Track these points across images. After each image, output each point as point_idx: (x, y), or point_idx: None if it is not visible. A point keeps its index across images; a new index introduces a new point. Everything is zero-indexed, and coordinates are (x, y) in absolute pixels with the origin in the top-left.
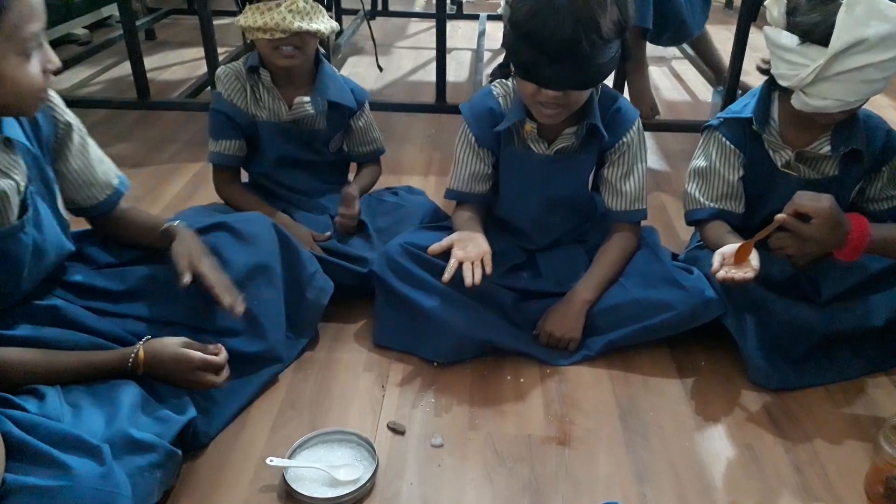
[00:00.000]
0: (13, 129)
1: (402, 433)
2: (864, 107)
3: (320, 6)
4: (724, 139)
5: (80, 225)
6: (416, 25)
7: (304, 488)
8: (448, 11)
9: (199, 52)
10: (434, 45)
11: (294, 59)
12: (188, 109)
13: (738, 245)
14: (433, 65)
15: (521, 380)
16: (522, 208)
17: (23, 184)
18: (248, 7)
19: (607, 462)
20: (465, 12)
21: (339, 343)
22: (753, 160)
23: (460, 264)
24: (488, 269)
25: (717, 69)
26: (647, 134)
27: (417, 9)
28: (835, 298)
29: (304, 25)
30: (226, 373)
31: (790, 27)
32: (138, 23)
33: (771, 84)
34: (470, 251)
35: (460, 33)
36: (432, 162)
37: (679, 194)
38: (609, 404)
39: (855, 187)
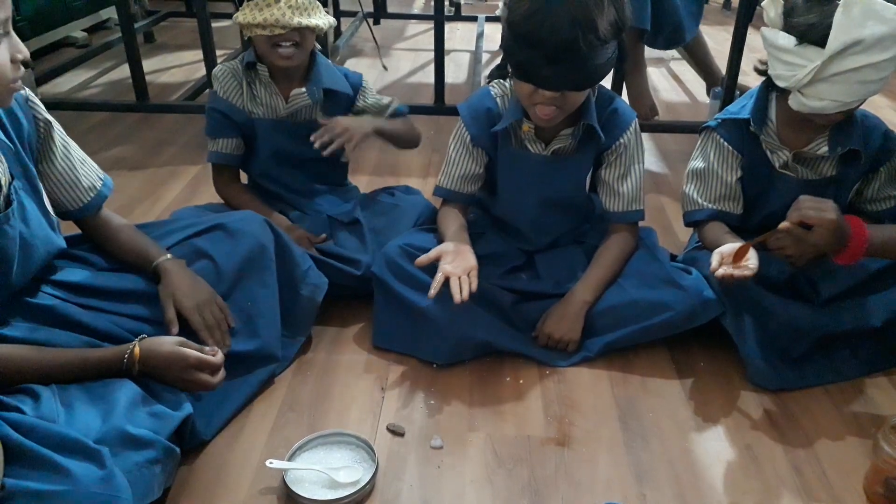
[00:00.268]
0: None
1: (401, 435)
2: (861, 107)
3: (317, 2)
4: (721, 140)
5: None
6: (414, 27)
7: (304, 490)
8: (446, 13)
9: (198, 54)
10: (432, 47)
11: (292, 59)
12: (187, 112)
13: (738, 245)
14: (432, 66)
15: (521, 381)
16: (520, 209)
17: (3, 178)
18: (245, 4)
19: (607, 463)
20: (463, 14)
21: (339, 345)
22: (751, 161)
23: (447, 278)
24: (474, 285)
25: (710, 74)
26: (645, 135)
27: (416, 10)
28: (833, 299)
29: (304, 21)
30: (221, 374)
31: (787, 28)
32: (136, 25)
33: (768, 85)
34: (457, 266)
35: (458, 35)
36: (431, 164)
37: (677, 195)
38: (608, 405)
39: (853, 188)
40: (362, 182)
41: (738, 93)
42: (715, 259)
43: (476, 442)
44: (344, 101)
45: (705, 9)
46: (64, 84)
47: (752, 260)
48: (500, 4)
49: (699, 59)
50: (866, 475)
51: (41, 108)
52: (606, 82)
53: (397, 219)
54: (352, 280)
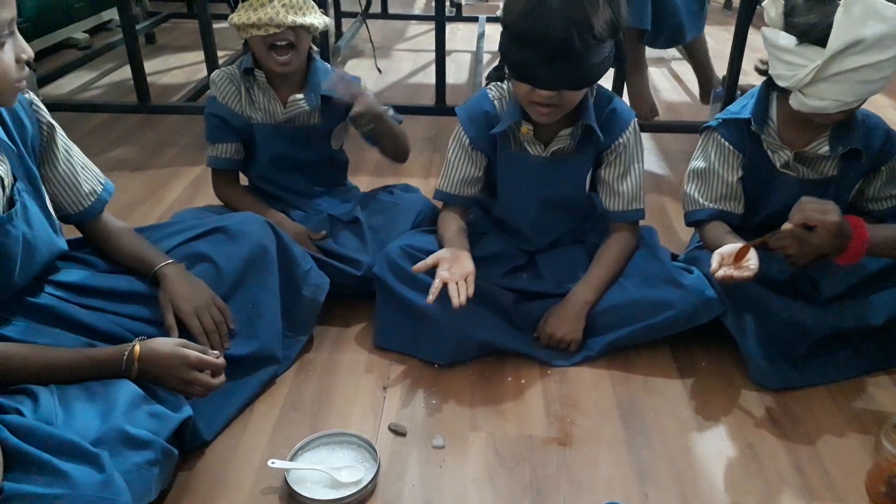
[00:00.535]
0: None
1: (403, 435)
2: (862, 107)
3: (312, 1)
4: (722, 140)
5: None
6: (415, 28)
7: (306, 490)
8: (447, 14)
9: (199, 55)
10: (433, 48)
11: (288, 64)
12: (188, 113)
13: (739, 246)
14: (432, 67)
15: (522, 381)
16: (520, 210)
17: (6, 179)
18: (240, 5)
19: (608, 462)
20: (464, 15)
21: (340, 345)
22: (752, 161)
23: (445, 284)
24: (471, 291)
25: (706, 78)
26: (646, 135)
27: (417, 11)
28: (835, 298)
29: (298, 19)
30: (223, 377)
31: (788, 28)
32: (138, 27)
33: (769, 85)
34: (454, 272)
35: (459, 35)
36: (432, 163)
37: (678, 195)
38: (610, 405)
39: (854, 187)
40: (363, 182)
41: (738, 92)
42: (715, 260)
43: (478, 441)
44: (342, 106)
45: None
46: (65, 85)
47: (752, 261)
48: (501, 5)
49: (697, 60)
50: (868, 474)
51: (44, 111)
52: (607, 82)
53: (396, 217)
54: (353, 280)
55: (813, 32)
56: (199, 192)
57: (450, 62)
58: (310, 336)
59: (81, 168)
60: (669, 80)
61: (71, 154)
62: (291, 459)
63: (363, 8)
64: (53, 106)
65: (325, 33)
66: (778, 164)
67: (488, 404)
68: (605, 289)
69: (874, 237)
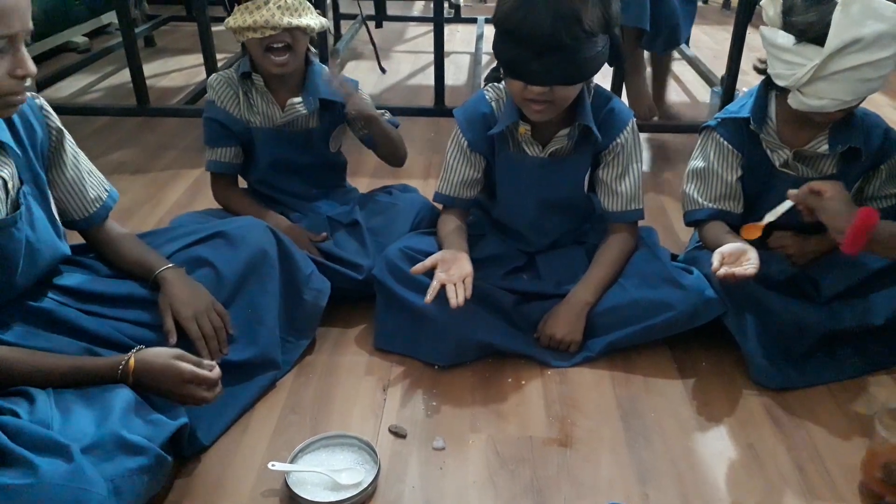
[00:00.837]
0: (2, 131)
1: (403, 436)
2: (861, 105)
3: (308, 2)
4: (721, 139)
5: (78, 240)
6: (414, 30)
7: (307, 492)
8: (446, 15)
9: (198, 58)
10: (432, 50)
11: (286, 65)
12: (187, 116)
13: (739, 245)
14: (431, 69)
15: (523, 382)
16: (519, 211)
17: (10, 182)
18: (236, 8)
19: (609, 463)
20: (462, 16)
21: (341, 347)
22: (751, 160)
23: (443, 285)
24: (468, 292)
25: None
26: (645, 135)
27: (416, 13)
28: (835, 297)
29: (294, 21)
30: (218, 389)
31: (786, 27)
32: (137, 30)
33: (768, 84)
34: (453, 273)
35: (458, 37)
36: (431, 165)
37: (678, 195)
38: (610, 405)
39: (854, 186)
40: (363, 183)
41: (738, 93)
42: (716, 259)
43: (478, 443)
44: (339, 108)
45: (705, 9)
46: (65, 89)
47: (752, 259)
48: None
49: (660, 72)
50: (863, 461)
51: (54, 116)
52: (605, 83)
53: (395, 218)
54: (354, 284)
55: (811, 31)
56: (199, 194)
57: (449, 63)
58: (311, 340)
59: (88, 174)
60: (669, 80)
61: (79, 160)
62: (292, 462)
63: (368, 14)
64: (53, 109)
65: (323, 35)
66: (777, 163)
67: (488, 406)
68: (605, 289)
69: (882, 225)
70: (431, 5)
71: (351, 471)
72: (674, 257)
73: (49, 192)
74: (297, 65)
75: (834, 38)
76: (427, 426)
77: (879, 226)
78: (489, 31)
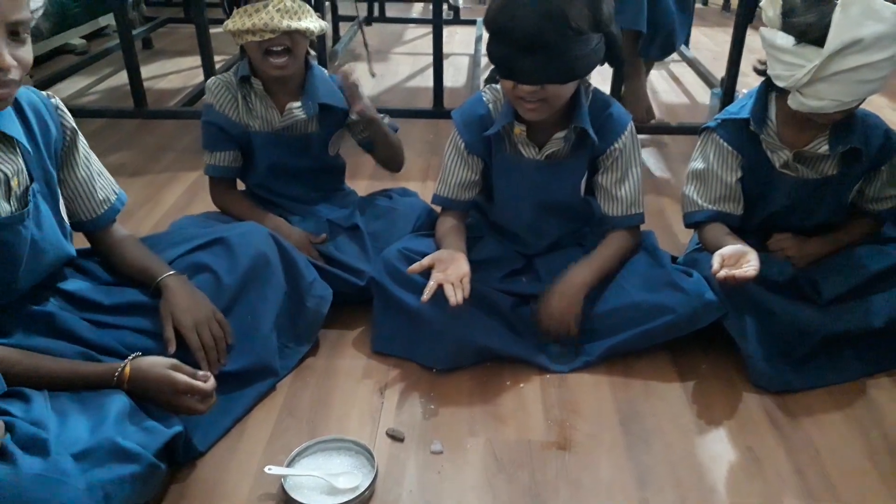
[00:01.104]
0: (13, 126)
1: (401, 440)
2: (861, 107)
3: (307, 5)
4: (721, 141)
5: (82, 243)
6: (413, 31)
7: (303, 497)
8: (445, 17)
9: (196, 60)
10: (431, 52)
11: (285, 68)
12: (185, 118)
13: (738, 246)
14: (430, 70)
15: (521, 385)
16: (516, 213)
17: (14, 179)
18: (235, 11)
19: (608, 467)
20: (461, 18)
21: (338, 350)
22: (751, 161)
23: (440, 285)
24: (466, 292)
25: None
26: (645, 137)
27: (415, 15)
28: (835, 299)
29: (293, 24)
30: (212, 401)
31: (786, 28)
32: (135, 32)
33: (768, 85)
34: (450, 273)
35: (457, 39)
36: (430, 167)
37: (678, 197)
38: (609, 409)
39: (854, 187)
40: (361, 186)
41: (737, 95)
42: (716, 261)
43: (476, 447)
44: (339, 112)
45: (705, 10)
46: (63, 91)
47: (752, 261)
48: None
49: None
50: None
51: (68, 116)
52: (604, 86)
53: (395, 222)
54: (355, 289)
55: (811, 32)
56: (197, 196)
57: (448, 65)
58: (311, 346)
59: (98, 175)
60: (668, 81)
61: (90, 161)
62: (288, 465)
63: (363, 16)
64: None
65: (322, 37)
66: (777, 164)
67: (487, 409)
68: (603, 275)
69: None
70: (430, 7)
71: (348, 475)
72: (673, 259)
73: (59, 191)
74: (296, 68)
75: (833, 40)
76: (425, 430)
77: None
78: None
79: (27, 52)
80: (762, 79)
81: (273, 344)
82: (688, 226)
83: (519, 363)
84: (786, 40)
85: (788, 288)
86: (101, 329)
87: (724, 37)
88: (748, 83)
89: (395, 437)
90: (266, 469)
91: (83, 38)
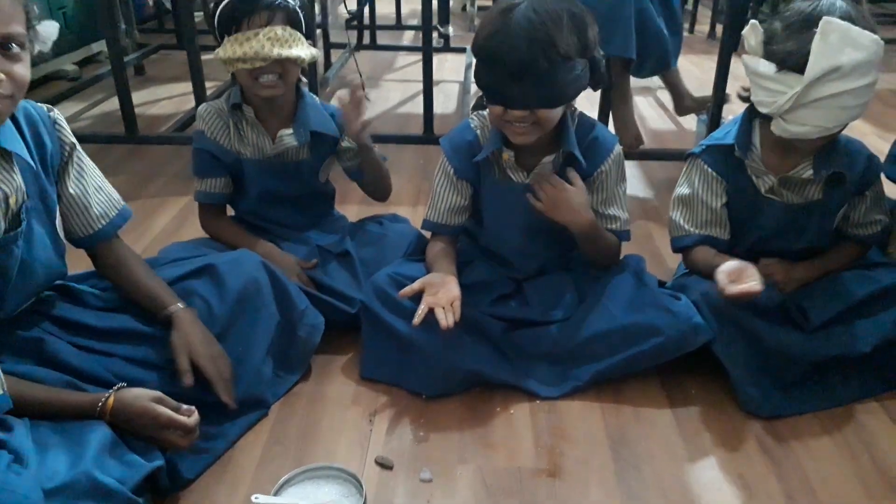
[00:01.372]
0: (14, 142)
1: (389, 468)
2: (845, 133)
3: (299, 34)
4: (706, 167)
5: (79, 266)
6: (404, 59)
7: None
8: (435, 45)
9: (188, 86)
10: (422, 78)
11: (276, 88)
12: (175, 143)
13: (738, 262)
14: (421, 97)
15: (511, 411)
16: (505, 237)
17: (13, 197)
18: (226, 39)
19: (599, 493)
20: (451, 46)
21: (327, 376)
22: (737, 187)
23: (431, 309)
24: (457, 316)
25: (679, 98)
26: (632, 163)
27: (406, 42)
28: (823, 325)
29: (284, 52)
30: (194, 435)
31: (767, 55)
32: (127, 58)
33: (751, 111)
34: (440, 297)
35: (448, 66)
36: (420, 192)
37: (665, 223)
38: (600, 435)
39: (839, 212)
40: (352, 211)
41: (702, 118)
42: (722, 278)
43: (466, 474)
44: (330, 139)
45: (692, 38)
46: None
47: (754, 275)
48: None
49: (672, 82)
50: None
51: (67, 131)
52: (592, 112)
53: (385, 248)
54: (346, 317)
55: (791, 60)
56: (187, 221)
57: (438, 92)
58: (302, 374)
59: (96, 190)
60: (655, 108)
61: (84, 175)
62: (276, 494)
63: (354, 43)
64: None
65: (313, 64)
66: (763, 189)
67: (477, 436)
68: (602, 233)
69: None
70: (421, 35)
71: (336, 503)
72: (661, 284)
73: (56, 208)
74: (286, 90)
75: (813, 67)
76: (414, 457)
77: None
78: None
79: (22, 69)
80: (746, 105)
81: (265, 375)
82: (675, 250)
83: (508, 389)
84: (767, 67)
85: (777, 313)
86: (91, 355)
87: (710, 64)
88: (734, 110)
89: (384, 465)
90: (253, 498)
91: (76, 63)
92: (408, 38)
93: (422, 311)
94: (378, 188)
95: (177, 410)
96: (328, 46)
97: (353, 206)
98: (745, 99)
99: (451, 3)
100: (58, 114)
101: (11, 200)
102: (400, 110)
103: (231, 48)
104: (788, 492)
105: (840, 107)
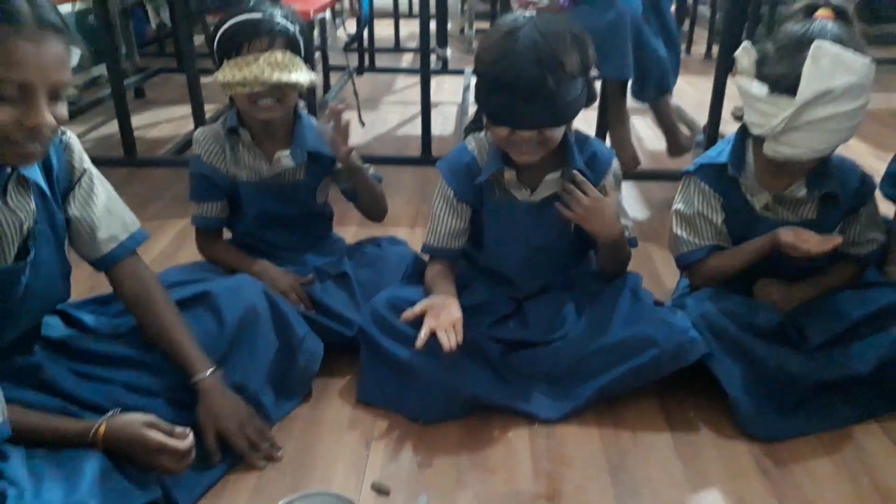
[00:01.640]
0: (32, 169)
1: (386, 493)
2: (839, 153)
3: (299, 59)
4: (702, 184)
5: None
6: (402, 81)
7: None
8: (433, 67)
9: (187, 109)
10: (420, 100)
11: (273, 111)
12: (174, 166)
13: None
14: (419, 119)
15: (510, 435)
16: (508, 256)
17: (27, 224)
18: (225, 63)
19: None
20: (450, 68)
21: (324, 400)
22: (732, 204)
23: (433, 332)
24: (459, 338)
25: (672, 136)
26: (630, 183)
27: (404, 65)
28: (821, 346)
29: (283, 78)
30: (188, 459)
31: (760, 77)
32: (127, 81)
33: (744, 131)
34: (442, 320)
35: (446, 88)
36: (419, 214)
37: (664, 243)
38: (598, 459)
39: (834, 230)
40: (350, 232)
41: (699, 139)
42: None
43: (464, 499)
44: (327, 160)
45: (688, 59)
46: None
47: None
48: None
49: (664, 115)
50: None
51: (77, 155)
52: (590, 132)
53: (383, 270)
54: (344, 339)
55: (783, 83)
56: (185, 243)
57: (436, 114)
58: (301, 400)
59: (105, 214)
60: (653, 129)
61: (92, 199)
62: None
63: (354, 66)
64: None
65: (312, 87)
66: (758, 207)
67: (475, 460)
68: (625, 242)
69: None
70: (419, 57)
71: None
72: (660, 304)
73: (63, 232)
74: (284, 114)
75: (805, 90)
76: (411, 482)
77: None
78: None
79: (63, 109)
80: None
81: (266, 404)
82: (685, 266)
83: (507, 413)
84: (760, 90)
85: (775, 334)
86: (90, 382)
87: (706, 84)
88: (731, 130)
89: (381, 491)
90: None
91: (76, 87)
92: (406, 60)
93: (424, 334)
94: (373, 209)
95: (171, 433)
96: (327, 69)
97: (351, 228)
98: (739, 118)
99: (448, 25)
100: (70, 137)
101: (25, 226)
102: (398, 132)
103: (231, 72)
104: None
105: (831, 129)
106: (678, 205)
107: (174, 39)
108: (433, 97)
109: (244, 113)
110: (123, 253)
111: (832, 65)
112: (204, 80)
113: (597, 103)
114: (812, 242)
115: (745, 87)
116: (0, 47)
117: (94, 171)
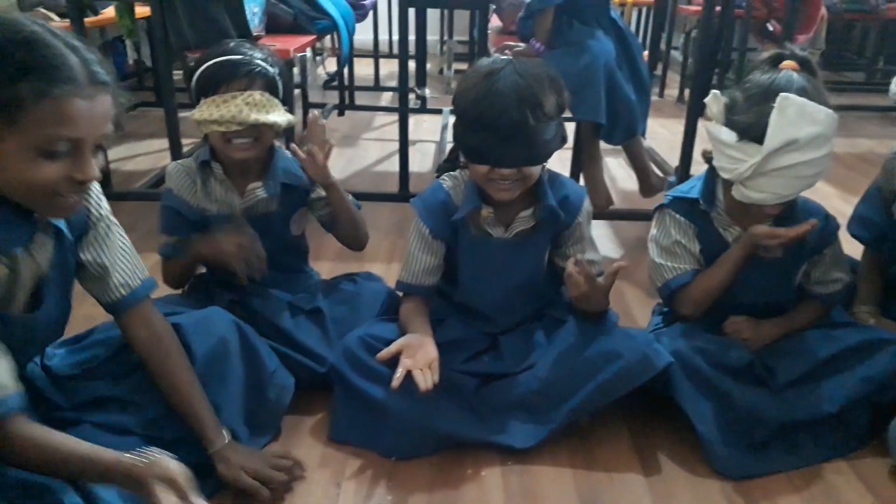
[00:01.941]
0: None
1: None
2: (804, 194)
3: (276, 100)
4: (677, 215)
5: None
6: (381, 119)
7: None
8: (412, 106)
9: (165, 143)
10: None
11: (249, 150)
12: (149, 199)
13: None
14: (398, 156)
15: (483, 473)
16: (484, 293)
17: (43, 267)
18: (203, 101)
19: None
20: (428, 107)
21: (295, 437)
22: (706, 236)
23: (409, 372)
24: (435, 377)
25: (645, 176)
26: (602, 223)
27: (383, 103)
28: (789, 384)
29: (261, 118)
30: None
31: (728, 124)
32: None
33: (714, 170)
34: (419, 359)
35: (425, 126)
36: (395, 249)
37: (637, 281)
38: (571, 497)
39: (800, 268)
40: (325, 267)
41: (671, 179)
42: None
43: None
44: (301, 192)
45: (662, 102)
46: None
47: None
48: None
49: (637, 156)
50: None
51: (96, 201)
52: (564, 173)
53: (359, 307)
54: (314, 375)
55: (751, 131)
56: (159, 276)
57: (415, 151)
58: (272, 436)
59: (121, 258)
60: (625, 168)
61: (106, 245)
62: None
63: (334, 104)
64: None
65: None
66: (730, 240)
67: (447, 499)
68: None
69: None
70: (398, 96)
71: None
72: None
73: (73, 274)
74: (259, 153)
75: (772, 139)
76: None
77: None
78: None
79: (99, 159)
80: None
81: (242, 435)
82: (671, 293)
83: (480, 449)
84: (729, 136)
85: (745, 373)
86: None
87: (678, 127)
88: (701, 170)
89: None
90: None
91: None
92: (386, 98)
93: (400, 374)
94: (352, 235)
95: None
96: (307, 107)
97: (326, 263)
98: (709, 161)
99: (428, 66)
100: (93, 186)
101: (40, 272)
102: (377, 168)
103: (208, 110)
104: None
105: (797, 176)
106: (655, 237)
107: (153, 74)
108: (412, 135)
109: (218, 151)
110: (134, 300)
111: (798, 115)
112: (182, 114)
113: (570, 144)
114: (785, 230)
115: (714, 133)
116: (57, 108)
117: (112, 217)
